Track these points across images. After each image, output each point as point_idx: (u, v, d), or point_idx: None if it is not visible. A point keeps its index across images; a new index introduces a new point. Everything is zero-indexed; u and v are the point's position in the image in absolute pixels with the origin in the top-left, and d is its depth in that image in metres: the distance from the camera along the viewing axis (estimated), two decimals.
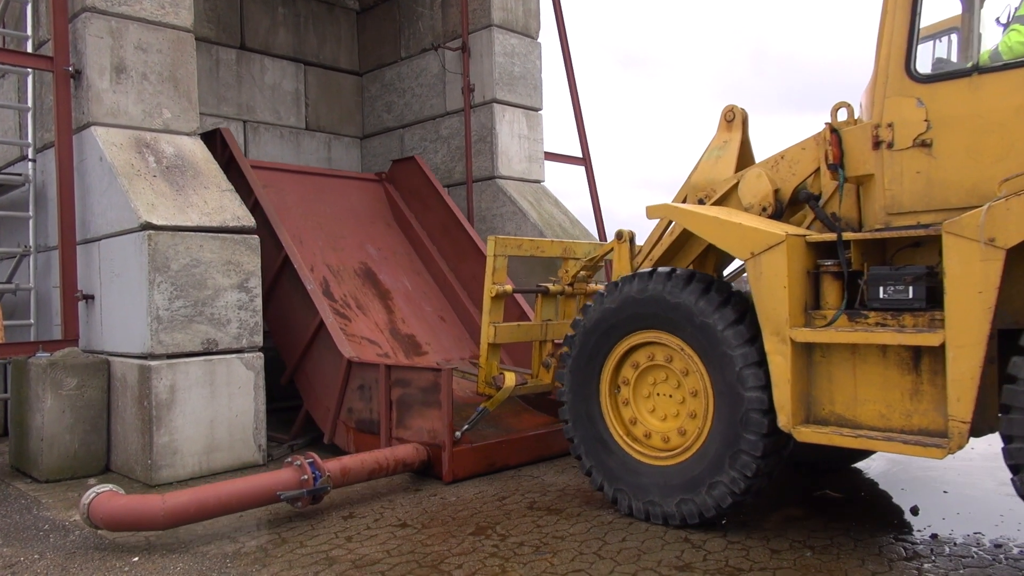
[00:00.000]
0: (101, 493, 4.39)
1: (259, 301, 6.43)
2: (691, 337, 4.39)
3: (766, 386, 4.09)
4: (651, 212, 4.88)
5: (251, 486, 4.60)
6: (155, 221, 5.89)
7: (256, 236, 6.46)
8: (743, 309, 4.26)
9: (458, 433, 5.64)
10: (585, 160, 11.00)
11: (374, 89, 11.33)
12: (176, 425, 5.87)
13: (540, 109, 10.21)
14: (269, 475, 4.78)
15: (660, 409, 4.68)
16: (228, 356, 6.19)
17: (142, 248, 5.86)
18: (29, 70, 7.26)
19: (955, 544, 4.20)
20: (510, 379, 5.89)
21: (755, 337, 4.16)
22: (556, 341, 6.22)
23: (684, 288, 4.39)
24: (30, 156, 7.38)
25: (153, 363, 5.79)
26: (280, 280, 7.29)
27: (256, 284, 6.41)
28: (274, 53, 10.63)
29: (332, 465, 4.95)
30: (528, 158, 10.02)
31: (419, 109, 10.54)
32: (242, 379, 6.25)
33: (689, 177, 5.29)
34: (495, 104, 9.63)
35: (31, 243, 7.34)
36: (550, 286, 6.26)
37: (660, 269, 4.62)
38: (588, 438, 4.89)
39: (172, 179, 6.37)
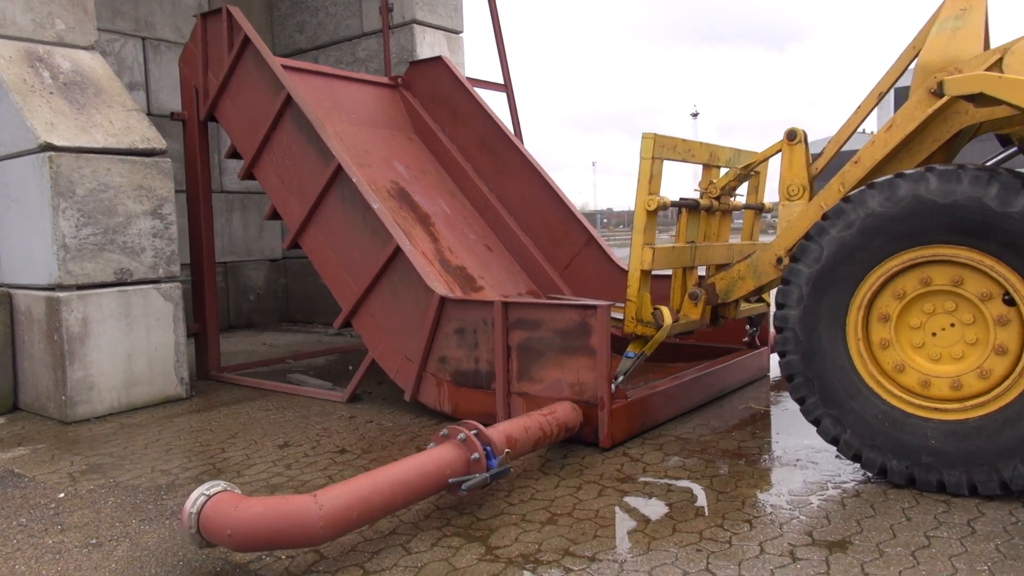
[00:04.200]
0: (214, 495, 2.97)
1: (174, 229, 6.10)
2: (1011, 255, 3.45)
3: None
4: (954, 86, 3.73)
5: (416, 473, 3.45)
6: (56, 142, 5.45)
7: (168, 160, 6.08)
8: None
9: (612, 386, 4.62)
10: (507, 86, 10.79)
11: (284, 7, 10.71)
12: (91, 359, 5.57)
13: (461, 32, 9.91)
14: (429, 456, 3.58)
15: (934, 347, 3.74)
16: (144, 287, 5.88)
17: (43, 171, 5.43)
18: None
19: None
20: (668, 316, 4.78)
21: None
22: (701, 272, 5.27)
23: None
24: None
25: (62, 295, 5.44)
26: (326, 198, 5.96)
27: (171, 211, 6.07)
28: None
29: (496, 436, 3.88)
30: None
31: (334, 30, 10.05)
32: (160, 311, 5.97)
33: (907, 56, 4.34)
34: (415, 25, 9.27)
35: None
36: (700, 199, 5.15)
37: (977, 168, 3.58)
38: (832, 397, 3.88)
39: (72, 96, 5.88)
